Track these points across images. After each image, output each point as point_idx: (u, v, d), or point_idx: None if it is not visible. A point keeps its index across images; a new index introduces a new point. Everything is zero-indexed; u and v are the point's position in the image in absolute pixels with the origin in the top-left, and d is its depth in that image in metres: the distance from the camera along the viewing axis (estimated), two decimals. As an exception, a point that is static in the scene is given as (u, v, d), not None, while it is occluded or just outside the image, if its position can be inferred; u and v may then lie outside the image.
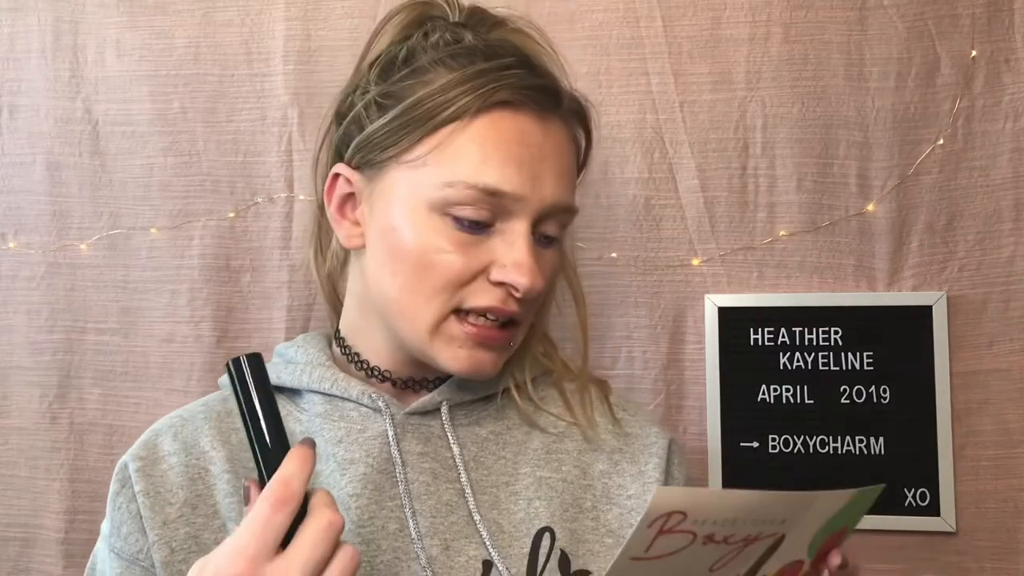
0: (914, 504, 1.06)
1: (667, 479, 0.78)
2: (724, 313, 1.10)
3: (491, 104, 0.70)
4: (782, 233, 1.10)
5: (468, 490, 0.72)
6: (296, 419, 0.76)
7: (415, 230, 0.70)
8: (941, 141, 1.08)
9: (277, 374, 0.78)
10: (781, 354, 1.09)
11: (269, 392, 0.58)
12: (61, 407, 1.19)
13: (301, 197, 1.16)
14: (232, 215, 1.17)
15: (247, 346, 1.16)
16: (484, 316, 0.71)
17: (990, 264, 1.07)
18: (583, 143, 0.80)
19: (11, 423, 1.20)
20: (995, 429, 1.06)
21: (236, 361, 0.58)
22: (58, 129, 1.20)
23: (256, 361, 0.58)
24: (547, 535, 0.72)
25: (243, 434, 0.77)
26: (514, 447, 0.77)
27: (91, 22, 1.20)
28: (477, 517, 0.71)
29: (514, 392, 0.78)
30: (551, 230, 0.74)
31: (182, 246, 1.17)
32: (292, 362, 0.79)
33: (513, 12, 0.82)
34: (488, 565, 0.70)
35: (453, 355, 0.71)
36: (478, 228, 0.70)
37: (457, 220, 0.70)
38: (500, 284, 0.70)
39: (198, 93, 1.18)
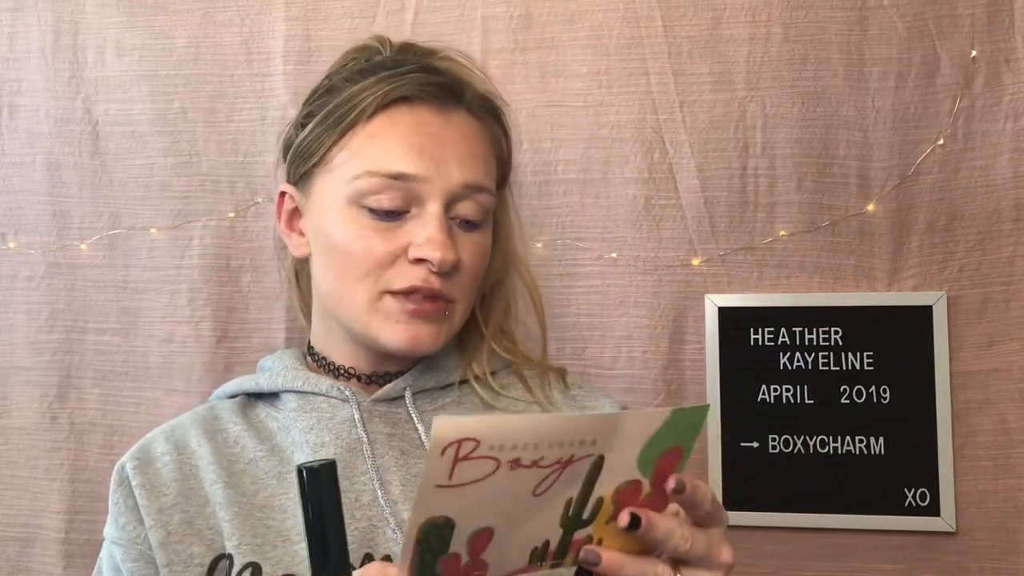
0: (914, 504, 1.06)
1: None
2: (724, 313, 1.10)
3: (388, 102, 0.77)
4: (782, 233, 1.10)
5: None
6: (274, 418, 0.82)
7: (339, 225, 0.77)
8: (941, 141, 1.08)
9: (256, 381, 0.84)
10: (781, 354, 1.09)
11: (339, 506, 0.54)
12: (61, 407, 1.19)
13: (301, 197, 1.16)
14: (232, 215, 1.17)
15: (247, 346, 1.16)
16: (414, 296, 0.76)
17: (990, 264, 1.07)
18: (504, 140, 0.84)
19: (11, 423, 1.20)
20: (995, 429, 1.06)
21: (310, 469, 0.53)
22: (58, 129, 1.20)
23: (330, 471, 0.54)
24: None
25: (227, 435, 0.80)
26: None
27: (91, 22, 1.20)
28: None
29: (474, 383, 0.83)
30: (468, 212, 0.77)
31: (182, 246, 1.17)
32: (270, 369, 0.85)
33: (445, 45, 0.86)
34: None
35: (391, 330, 0.76)
36: (392, 216, 0.75)
37: (372, 211, 0.75)
38: (419, 262, 0.75)
39: (198, 93, 1.18)
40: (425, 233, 0.74)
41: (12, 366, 1.20)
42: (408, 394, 0.80)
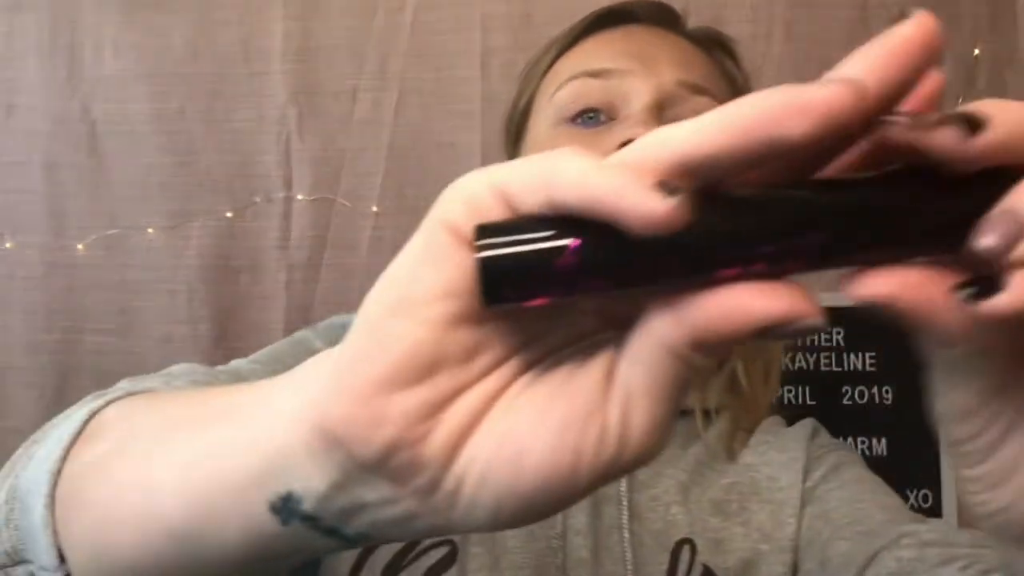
0: (917, 506, 1.05)
1: (808, 458, 0.66)
2: (725, 313, 1.09)
3: (596, 26, 0.69)
4: (783, 233, 1.09)
5: (625, 502, 0.64)
6: None
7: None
8: (943, 140, 1.07)
9: None
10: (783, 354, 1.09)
11: None
12: (59, 408, 1.17)
13: (299, 197, 1.15)
14: (230, 215, 1.16)
15: (246, 347, 1.15)
16: None
17: (993, 264, 1.06)
18: (740, 77, 0.73)
19: (8, 424, 1.19)
20: (998, 430, 1.05)
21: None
22: (55, 128, 1.19)
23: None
24: (687, 548, 0.63)
25: None
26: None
27: (89, 21, 1.19)
28: (627, 535, 0.63)
29: (700, 428, 0.69)
30: (688, 116, 0.65)
31: (180, 246, 1.17)
32: None
33: None
34: None
35: None
36: (593, 120, 0.64)
37: (572, 120, 0.64)
38: None
39: (196, 92, 1.17)
40: (628, 131, 0.61)
41: (9, 367, 1.19)
42: None
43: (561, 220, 0.24)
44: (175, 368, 0.55)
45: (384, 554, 0.59)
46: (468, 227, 0.25)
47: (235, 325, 1.16)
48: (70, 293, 1.18)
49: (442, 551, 0.60)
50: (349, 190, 1.14)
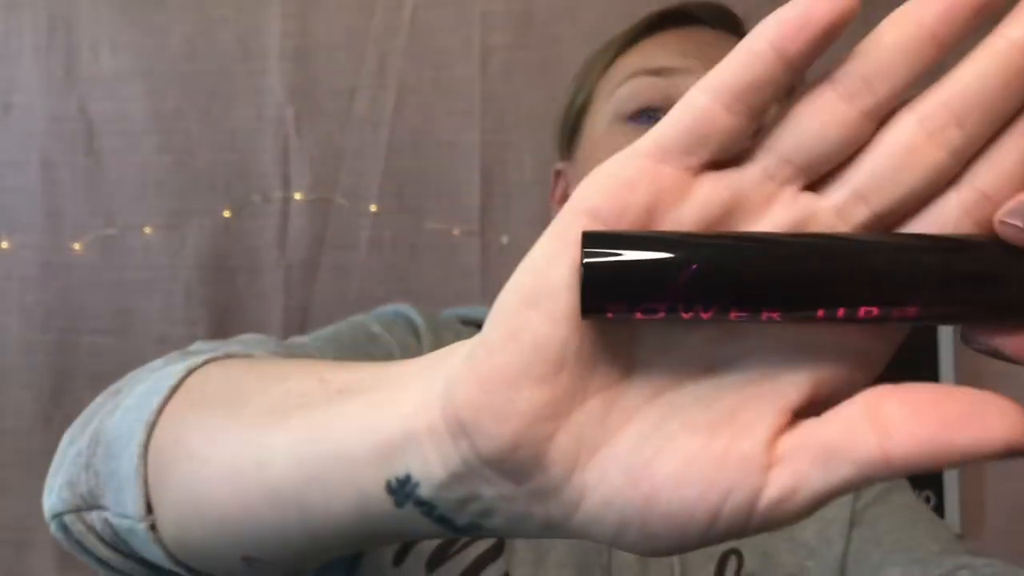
0: (919, 507, 1.05)
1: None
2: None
3: (657, 26, 0.70)
4: (785, 232, 1.09)
5: None
6: None
7: (600, 153, 0.67)
8: (946, 139, 1.06)
9: None
10: (784, 355, 1.08)
11: None
12: (55, 408, 1.17)
13: (297, 196, 1.14)
14: (228, 214, 1.16)
15: (243, 347, 1.15)
16: None
17: (996, 264, 1.06)
18: (797, 86, 0.75)
19: (5, 425, 1.19)
20: (1002, 431, 1.05)
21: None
22: (52, 128, 1.19)
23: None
24: (733, 559, 0.63)
25: None
26: None
27: (85, 19, 1.19)
28: None
29: None
30: None
31: (177, 246, 1.16)
32: None
33: None
34: None
35: None
36: (653, 119, 0.63)
37: (630, 119, 0.65)
38: None
39: (193, 91, 1.17)
40: None
41: (6, 367, 1.19)
42: None
43: (675, 240, 0.23)
44: (246, 337, 0.55)
45: (429, 542, 0.59)
46: (608, 208, 0.25)
47: (233, 325, 1.15)
48: (67, 293, 1.18)
49: (489, 542, 0.60)
50: (347, 189, 1.13)
